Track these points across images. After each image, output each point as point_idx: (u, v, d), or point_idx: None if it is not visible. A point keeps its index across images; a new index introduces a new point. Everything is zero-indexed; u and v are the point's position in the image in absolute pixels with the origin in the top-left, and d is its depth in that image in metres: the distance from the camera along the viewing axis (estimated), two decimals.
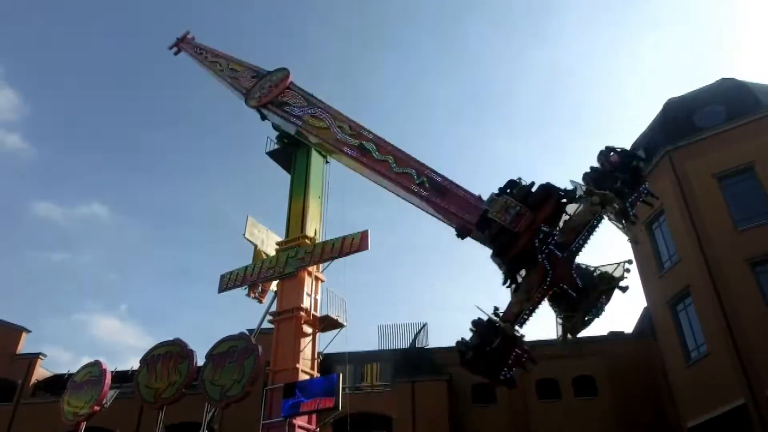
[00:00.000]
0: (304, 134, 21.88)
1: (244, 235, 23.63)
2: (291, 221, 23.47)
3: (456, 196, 16.27)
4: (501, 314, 13.50)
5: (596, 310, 13.84)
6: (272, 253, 23.22)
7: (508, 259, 13.96)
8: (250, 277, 22.47)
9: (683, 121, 29.45)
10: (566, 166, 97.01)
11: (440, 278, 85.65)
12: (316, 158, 24.89)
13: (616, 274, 13.81)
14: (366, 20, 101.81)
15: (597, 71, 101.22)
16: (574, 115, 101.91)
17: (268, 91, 23.75)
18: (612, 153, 14.40)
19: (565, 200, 14.04)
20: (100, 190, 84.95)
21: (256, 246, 23.84)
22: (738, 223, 27.25)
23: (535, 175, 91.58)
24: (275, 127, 24.67)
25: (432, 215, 16.72)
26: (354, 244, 20.80)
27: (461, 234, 15.40)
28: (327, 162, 25.33)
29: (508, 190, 14.67)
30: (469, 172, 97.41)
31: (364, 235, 20.85)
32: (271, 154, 25.44)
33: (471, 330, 13.37)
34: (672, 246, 29.01)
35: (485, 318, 13.43)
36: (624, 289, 13.79)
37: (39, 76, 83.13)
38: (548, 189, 14.14)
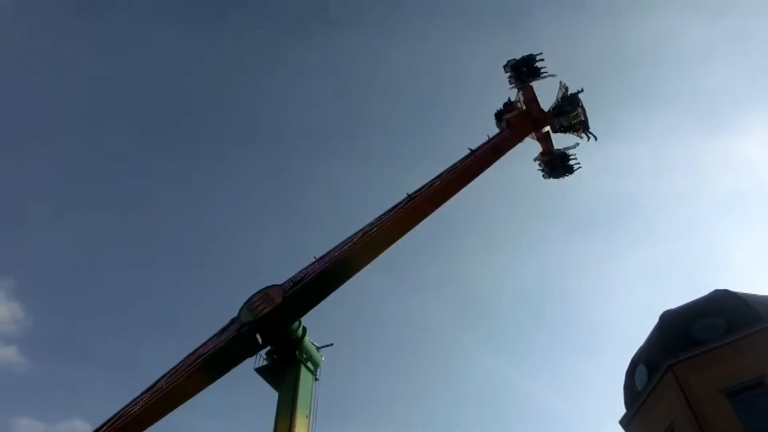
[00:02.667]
0: None
1: None
2: None
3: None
4: None
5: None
6: None
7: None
8: None
9: (682, 334, 28.69)
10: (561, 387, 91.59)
11: None
12: (305, 375, 24.49)
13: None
14: None
15: (584, 285, 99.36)
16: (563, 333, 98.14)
17: (268, 299, 24.49)
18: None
19: None
20: (84, 405, 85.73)
21: None
22: None
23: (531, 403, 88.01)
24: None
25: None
26: None
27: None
28: (317, 379, 25.11)
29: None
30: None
31: None
32: (260, 371, 25.10)
33: None
34: None
35: None
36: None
37: (46, 291, 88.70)
38: None
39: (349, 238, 26.20)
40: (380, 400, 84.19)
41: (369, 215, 27.74)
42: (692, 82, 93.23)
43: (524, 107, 30.22)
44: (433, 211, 26.81)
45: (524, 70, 29.63)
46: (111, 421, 23.77)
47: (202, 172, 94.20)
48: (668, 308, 31.44)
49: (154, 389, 24.47)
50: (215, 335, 25.69)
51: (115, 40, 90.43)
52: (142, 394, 24.67)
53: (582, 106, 29.25)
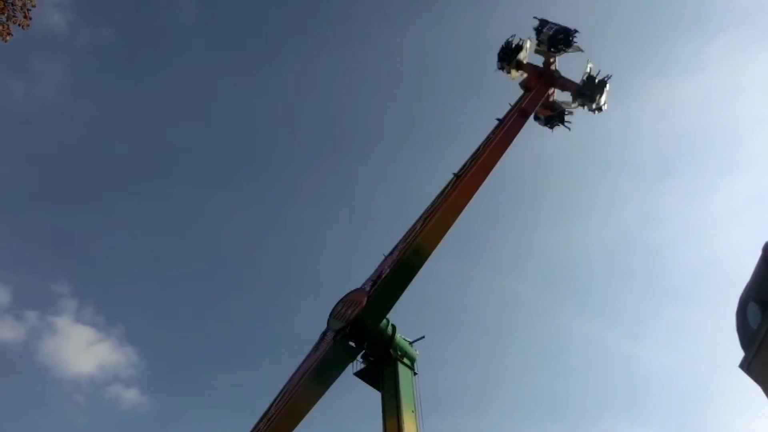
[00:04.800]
0: None
1: None
2: None
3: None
4: None
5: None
6: None
7: None
8: None
9: None
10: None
11: None
12: (404, 372, 25.13)
13: None
14: None
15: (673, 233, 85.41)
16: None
17: (351, 304, 25.69)
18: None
19: None
20: None
21: None
22: None
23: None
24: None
25: None
26: None
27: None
28: (415, 374, 25.43)
29: None
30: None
31: None
32: (359, 374, 26.15)
33: None
34: None
35: None
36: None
37: (153, 333, 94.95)
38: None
39: (411, 227, 26.84)
40: (481, 385, 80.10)
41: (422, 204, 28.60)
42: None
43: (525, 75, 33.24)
44: (481, 183, 27.34)
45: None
46: None
47: (273, 194, 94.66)
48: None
49: (269, 416, 26.77)
50: (311, 352, 27.35)
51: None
52: (259, 422, 27.27)
53: (549, 21, 31.80)
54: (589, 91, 31.64)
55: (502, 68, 33.15)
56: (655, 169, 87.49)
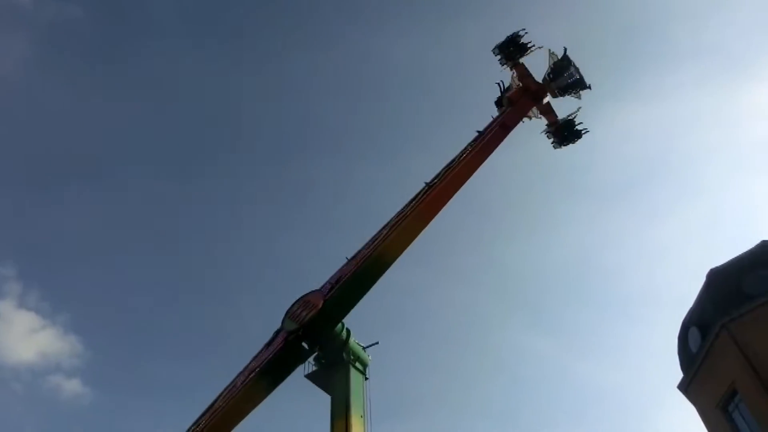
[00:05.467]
0: None
1: None
2: None
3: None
4: None
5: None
6: None
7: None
8: None
9: (732, 290, 27.41)
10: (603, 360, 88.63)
11: None
12: (355, 376, 24.96)
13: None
14: None
15: (625, 255, 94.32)
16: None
17: (308, 305, 25.04)
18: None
19: None
20: (149, 429, 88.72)
21: None
22: None
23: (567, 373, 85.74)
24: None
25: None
26: None
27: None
28: (366, 379, 25.44)
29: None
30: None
31: None
32: (310, 377, 25.67)
33: None
34: (757, 430, 25.71)
35: None
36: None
37: (99, 324, 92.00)
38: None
39: (377, 233, 26.54)
40: (433, 392, 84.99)
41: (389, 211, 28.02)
42: (708, 34, 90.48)
43: (520, 84, 30.74)
44: (453, 194, 26.86)
45: (512, 49, 30.25)
46: None
47: (224, 193, 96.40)
48: (715, 265, 30.02)
49: (213, 409, 25.57)
50: (262, 350, 26.53)
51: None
52: (201, 416, 26.08)
53: (573, 64, 30.02)
54: (565, 132, 31.32)
55: (498, 57, 30.80)
56: (614, 192, 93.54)
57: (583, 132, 31.25)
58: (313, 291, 26.13)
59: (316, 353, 26.15)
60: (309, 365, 26.00)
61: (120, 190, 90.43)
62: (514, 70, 30.81)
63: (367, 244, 26.63)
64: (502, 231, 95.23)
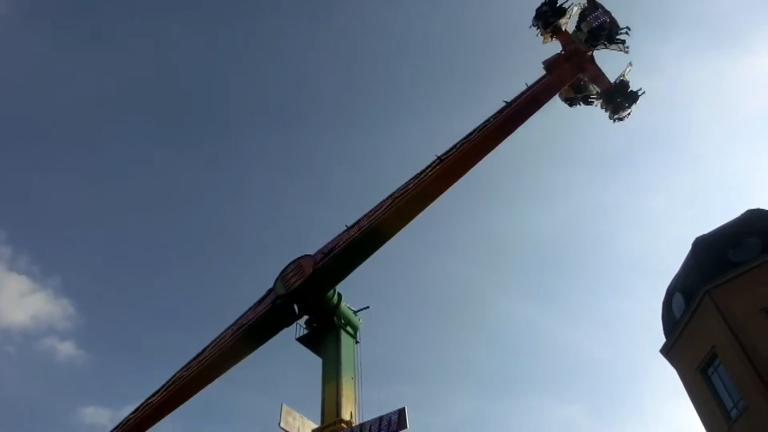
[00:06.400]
0: None
1: (279, 424, 23.12)
2: (326, 406, 23.46)
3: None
4: None
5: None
6: None
7: None
8: None
9: (717, 258, 27.91)
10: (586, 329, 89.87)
11: None
12: (346, 340, 25.31)
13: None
14: None
15: (618, 224, 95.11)
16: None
17: (299, 270, 25.34)
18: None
19: None
20: (146, 391, 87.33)
21: None
22: None
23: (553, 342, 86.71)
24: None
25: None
26: (392, 423, 20.41)
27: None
28: (357, 342, 25.82)
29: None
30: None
31: (401, 413, 20.44)
32: (302, 340, 25.95)
33: None
34: (734, 392, 26.62)
35: None
36: None
37: (91, 287, 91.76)
38: None
39: (378, 204, 25.80)
40: (422, 358, 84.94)
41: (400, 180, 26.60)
42: (704, 5, 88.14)
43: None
44: (464, 172, 24.96)
45: (549, 12, 26.86)
46: (167, 385, 26.39)
47: (230, 158, 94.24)
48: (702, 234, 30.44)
49: (201, 358, 26.31)
50: (253, 306, 26.66)
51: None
52: (189, 362, 26.69)
53: (602, 6, 26.26)
54: (619, 97, 26.86)
55: (536, 26, 27.40)
56: (607, 163, 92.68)
57: (639, 93, 26.85)
58: (306, 255, 26.09)
59: (307, 317, 26.30)
60: (300, 328, 26.28)
61: (114, 154, 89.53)
62: (554, 38, 27.27)
63: (367, 213, 25.95)
64: (496, 201, 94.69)
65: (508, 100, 25.45)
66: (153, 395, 26.34)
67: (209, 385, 26.40)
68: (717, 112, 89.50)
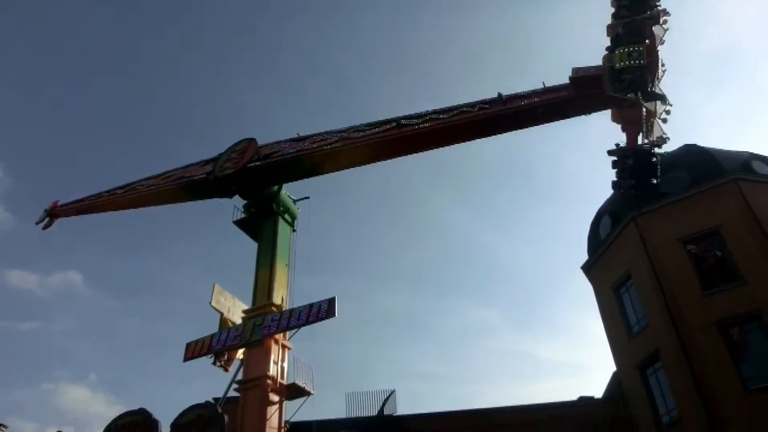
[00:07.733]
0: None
1: (210, 303, 23.65)
2: (258, 289, 23.59)
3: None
4: None
5: None
6: (239, 321, 23.20)
7: None
8: (216, 346, 22.32)
9: (650, 187, 28.73)
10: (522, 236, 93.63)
11: (403, 348, 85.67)
12: (283, 227, 25.32)
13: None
14: None
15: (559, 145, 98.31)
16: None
17: (240, 157, 24.88)
18: None
19: None
20: (77, 258, 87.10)
21: (222, 314, 23.82)
22: (705, 287, 27.07)
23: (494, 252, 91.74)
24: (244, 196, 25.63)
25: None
26: (321, 311, 20.75)
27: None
28: (294, 230, 25.88)
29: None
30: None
31: (331, 302, 20.77)
32: (238, 223, 25.72)
33: None
34: (640, 310, 28.77)
35: None
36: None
37: (20, 149, 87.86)
38: None
39: (327, 133, 24.20)
40: (354, 253, 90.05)
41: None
42: None
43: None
44: (421, 150, 22.99)
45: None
46: (92, 197, 28.51)
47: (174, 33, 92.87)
48: None
49: (131, 187, 27.90)
50: (201, 162, 26.90)
51: None
52: (118, 188, 28.25)
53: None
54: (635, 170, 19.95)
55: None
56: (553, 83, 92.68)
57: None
58: (253, 142, 25.63)
59: (245, 202, 26.03)
60: (238, 212, 26.08)
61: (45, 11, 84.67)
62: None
63: (315, 136, 24.44)
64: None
65: (504, 95, 20.50)
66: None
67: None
68: (671, 49, 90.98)
